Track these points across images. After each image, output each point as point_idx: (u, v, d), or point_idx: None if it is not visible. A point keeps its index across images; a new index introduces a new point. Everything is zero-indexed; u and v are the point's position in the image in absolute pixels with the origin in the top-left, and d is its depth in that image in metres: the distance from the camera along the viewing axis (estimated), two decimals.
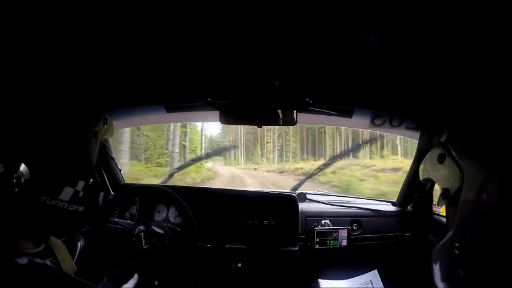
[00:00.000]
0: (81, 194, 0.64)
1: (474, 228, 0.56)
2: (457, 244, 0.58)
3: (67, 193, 0.62)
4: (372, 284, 1.40)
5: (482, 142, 0.58)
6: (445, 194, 0.64)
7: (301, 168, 15.06)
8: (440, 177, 0.65)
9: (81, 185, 0.64)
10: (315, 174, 1.95)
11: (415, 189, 1.47)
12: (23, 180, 0.55)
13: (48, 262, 0.64)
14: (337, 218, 1.45)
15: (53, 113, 0.64)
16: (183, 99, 1.30)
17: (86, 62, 0.85)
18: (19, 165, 0.55)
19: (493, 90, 0.76)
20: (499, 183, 0.51)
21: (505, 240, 0.49)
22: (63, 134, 0.65)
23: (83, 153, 0.68)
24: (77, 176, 0.64)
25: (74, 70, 0.87)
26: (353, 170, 11.66)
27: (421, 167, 0.73)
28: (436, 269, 0.62)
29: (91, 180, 0.67)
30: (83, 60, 0.84)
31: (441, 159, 0.64)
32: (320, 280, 1.42)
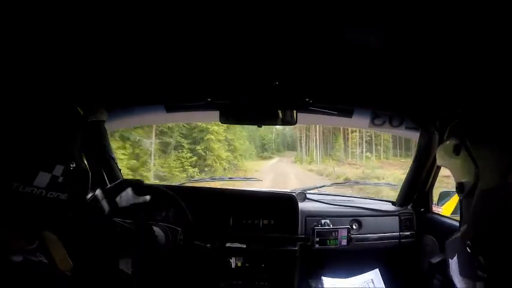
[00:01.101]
0: (60, 179, 0.59)
1: (487, 228, 0.56)
2: (468, 242, 0.58)
3: (43, 179, 0.56)
4: (373, 283, 1.40)
5: (494, 137, 0.58)
6: (460, 188, 0.64)
7: None
8: (456, 170, 0.65)
9: (59, 169, 0.59)
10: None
11: (414, 189, 1.47)
12: None
13: (44, 260, 0.62)
14: (337, 218, 1.45)
15: (21, 94, 0.61)
16: (183, 99, 1.30)
17: (85, 61, 0.85)
18: None
19: (493, 88, 0.76)
20: None
21: None
22: (33, 115, 0.60)
23: (59, 135, 0.63)
24: (53, 160, 0.58)
25: (72, 71, 0.87)
26: None
27: (438, 153, 0.73)
28: (452, 263, 0.62)
29: (72, 165, 0.62)
30: (82, 59, 0.84)
31: (457, 151, 0.64)
32: (323, 278, 1.42)
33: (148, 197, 1.12)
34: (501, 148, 0.57)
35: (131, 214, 1.13)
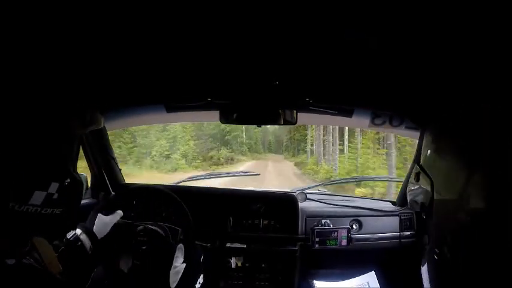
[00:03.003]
0: (55, 196, 0.60)
1: (448, 233, 0.59)
2: (436, 250, 0.61)
3: (38, 197, 0.58)
4: (368, 285, 1.40)
5: (465, 141, 0.59)
6: (422, 207, 0.66)
7: None
8: (418, 194, 0.68)
9: (54, 187, 0.60)
10: None
11: None
12: None
13: (35, 263, 0.63)
14: (337, 218, 1.45)
15: (13, 114, 0.62)
16: (184, 99, 1.30)
17: (86, 61, 0.85)
18: None
19: (491, 90, 0.76)
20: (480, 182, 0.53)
21: (481, 242, 0.50)
22: (27, 137, 0.62)
23: (53, 154, 0.65)
24: (48, 178, 0.60)
25: (71, 71, 0.87)
26: None
27: (407, 192, 0.77)
28: (424, 271, 0.64)
29: (67, 181, 0.63)
30: (82, 59, 0.84)
31: (417, 178, 0.68)
32: (315, 281, 1.42)
33: (120, 212, 1.16)
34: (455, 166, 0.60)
35: (118, 238, 1.16)
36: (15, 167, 0.58)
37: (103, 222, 1.08)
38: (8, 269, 0.56)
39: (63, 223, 0.65)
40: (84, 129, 1.07)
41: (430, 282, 0.62)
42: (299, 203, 1.44)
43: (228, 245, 1.37)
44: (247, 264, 1.39)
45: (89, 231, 1.01)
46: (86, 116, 0.93)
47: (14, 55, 0.72)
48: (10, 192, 0.56)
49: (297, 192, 1.51)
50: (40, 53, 0.76)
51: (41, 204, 0.59)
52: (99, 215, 1.08)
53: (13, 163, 0.58)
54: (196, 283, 1.03)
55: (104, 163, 1.48)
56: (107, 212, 1.13)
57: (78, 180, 0.68)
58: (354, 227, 1.46)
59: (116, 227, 1.16)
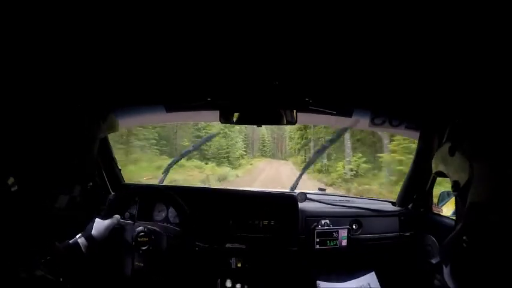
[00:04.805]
0: (78, 199, 0.63)
1: (483, 221, 0.56)
2: (465, 237, 0.58)
3: (62, 201, 0.60)
4: (369, 286, 1.39)
5: (489, 138, 0.58)
6: (455, 186, 0.64)
7: None
8: (451, 170, 0.65)
9: (77, 190, 0.63)
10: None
11: (415, 188, 1.47)
12: (11, 191, 0.54)
13: (49, 275, 0.63)
14: (337, 218, 1.45)
15: (40, 122, 0.63)
16: (183, 99, 1.30)
17: (86, 62, 0.85)
18: (7, 179, 0.53)
19: (492, 90, 0.76)
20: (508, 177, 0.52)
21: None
22: (54, 144, 0.63)
23: (78, 159, 0.66)
24: (72, 182, 0.63)
25: (71, 72, 0.87)
26: None
27: (434, 160, 0.73)
28: (446, 266, 0.61)
29: (89, 184, 0.66)
30: (82, 60, 0.83)
31: (452, 152, 0.64)
32: (319, 282, 1.41)
33: (117, 216, 1.18)
34: (496, 160, 0.57)
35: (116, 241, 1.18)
36: (41, 172, 0.59)
37: (101, 226, 1.10)
38: (21, 282, 0.56)
39: (84, 225, 0.66)
40: (103, 134, 1.08)
41: (451, 275, 0.59)
42: (299, 203, 1.44)
43: (228, 245, 1.37)
44: (247, 265, 1.39)
45: (87, 235, 1.03)
46: (106, 120, 0.94)
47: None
48: (36, 197, 0.57)
49: (297, 192, 1.51)
50: (42, 56, 0.76)
51: (65, 207, 0.61)
52: (96, 219, 1.09)
53: (40, 168, 0.59)
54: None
55: (104, 163, 1.48)
56: (104, 217, 1.15)
57: (99, 184, 0.70)
58: (354, 227, 1.46)
59: (114, 230, 1.17)
